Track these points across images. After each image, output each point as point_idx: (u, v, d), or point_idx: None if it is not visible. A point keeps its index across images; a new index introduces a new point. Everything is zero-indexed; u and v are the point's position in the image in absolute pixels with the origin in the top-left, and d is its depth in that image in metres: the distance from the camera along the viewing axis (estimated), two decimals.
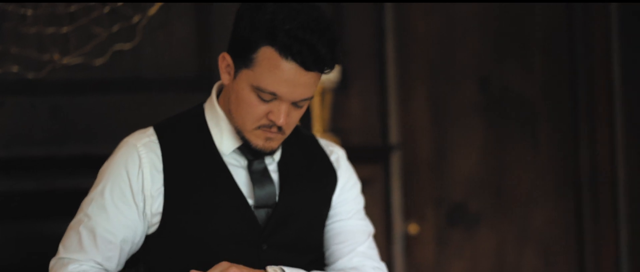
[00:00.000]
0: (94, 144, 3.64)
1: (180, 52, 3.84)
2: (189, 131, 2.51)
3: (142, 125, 2.69)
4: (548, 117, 4.67)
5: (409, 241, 4.46)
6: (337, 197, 2.60)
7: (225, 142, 2.49)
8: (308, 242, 2.47)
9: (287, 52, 2.31)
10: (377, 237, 4.28)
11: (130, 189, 2.45)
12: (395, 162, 4.41)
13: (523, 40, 4.64)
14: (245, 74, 2.37)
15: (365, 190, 4.24)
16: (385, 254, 4.36)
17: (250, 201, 2.48)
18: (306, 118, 4.10)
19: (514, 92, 4.62)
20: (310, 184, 2.55)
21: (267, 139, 2.42)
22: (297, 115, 2.43)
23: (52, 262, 2.52)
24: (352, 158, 4.12)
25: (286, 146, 2.56)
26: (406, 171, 4.46)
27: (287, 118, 2.39)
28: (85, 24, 3.72)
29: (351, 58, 4.28)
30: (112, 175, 2.48)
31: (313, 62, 2.33)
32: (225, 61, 2.42)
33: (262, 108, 2.38)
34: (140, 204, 2.45)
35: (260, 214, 2.48)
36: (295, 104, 2.39)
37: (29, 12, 3.66)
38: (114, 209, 2.45)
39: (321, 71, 2.37)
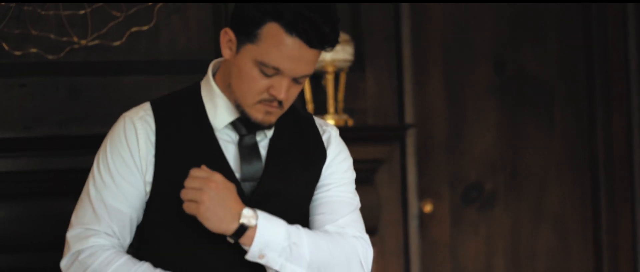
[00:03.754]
0: (110, 124, 3.63)
1: (196, 34, 3.89)
2: (184, 106, 2.59)
3: None
4: (564, 98, 4.69)
5: (424, 219, 4.49)
6: (325, 170, 2.65)
7: (219, 117, 2.56)
8: (293, 217, 2.51)
9: (292, 28, 2.39)
10: (392, 216, 4.36)
11: (131, 156, 2.55)
12: (411, 142, 4.45)
13: (538, 22, 4.65)
14: (249, 49, 2.44)
15: (381, 169, 4.30)
16: (401, 233, 4.39)
17: (238, 175, 2.54)
18: (320, 98, 4.14)
19: (530, 74, 4.64)
20: (298, 163, 2.60)
21: (267, 113, 2.49)
22: (296, 90, 2.50)
23: (70, 234, 2.59)
24: (368, 138, 4.20)
25: (280, 124, 2.62)
26: (422, 151, 4.49)
27: (287, 93, 2.46)
28: (102, 6, 3.78)
29: (367, 39, 4.31)
30: (112, 146, 2.58)
31: (317, 40, 2.41)
32: (227, 36, 2.50)
33: (264, 83, 2.45)
34: (142, 169, 2.54)
35: (246, 187, 2.54)
36: (295, 80, 2.47)
37: None
38: (119, 178, 2.55)
39: (323, 49, 2.45)
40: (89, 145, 3.70)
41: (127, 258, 2.54)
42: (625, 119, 4.72)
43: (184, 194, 2.42)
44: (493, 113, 4.58)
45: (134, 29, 3.83)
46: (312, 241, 2.50)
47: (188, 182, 2.42)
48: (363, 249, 2.61)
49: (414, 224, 4.44)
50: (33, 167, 3.71)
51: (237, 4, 2.49)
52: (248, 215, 2.43)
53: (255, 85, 2.46)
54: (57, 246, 3.69)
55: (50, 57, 3.76)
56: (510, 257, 4.61)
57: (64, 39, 3.75)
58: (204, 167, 2.44)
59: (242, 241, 2.44)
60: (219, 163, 2.55)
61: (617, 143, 4.72)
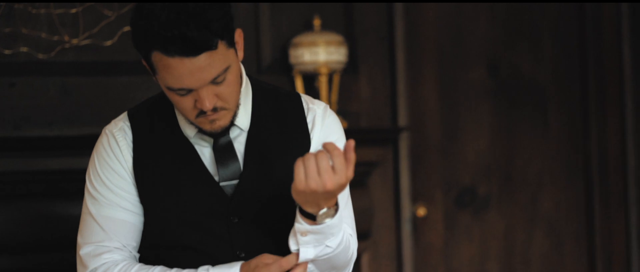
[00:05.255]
0: (102, 124, 3.58)
1: None
2: (159, 115, 2.57)
3: None
4: (558, 101, 4.67)
5: (418, 223, 4.47)
6: None
7: (187, 128, 2.53)
8: (281, 212, 2.45)
9: (168, 50, 2.30)
10: (385, 220, 4.33)
11: (121, 166, 2.53)
12: (404, 145, 4.42)
13: (533, 25, 4.63)
14: (158, 79, 2.41)
15: (374, 173, 4.28)
16: (394, 237, 4.37)
17: (217, 178, 2.51)
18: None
19: (524, 77, 4.62)
20: (280, 152, 2.53)
21: (211, 121, 2.43)
22: (226, 89, 2.40)
23: (81, 253, 2.55)
24: (361, 141, 4.15)
25: (258, 110, 2.56)
26: (415, 154, 4.46)
27: (213, 99, 2.38)
28: (94, 5, 3.75)
29: (360, 41, 4.29)
30: (100, 160, 2.56)
31: (194, 49, 2.31)
32: (148, 67, 2.45)
33: (188, 101, 2.39)
34: (132, 176, 2.52)
35: (228, 188, 2.50)
36: (214, 83, 2.38)
37: None
38: (117, 190, 2.53)
39: (209, 49, 2.33)
40: (79, 146, 3.68)
41: (139, 266, 2.51)
42: (619, 123, 4.71)
43: (307, 159, 2.25)
44: (487, 116, 4.56)
45: (125, 29, 3.80)
46: (341, 250, 2.45)
47: (321, 157, 2.24)
48: (355, 248, 2.56)
49: (407, 228, 4.41)
50: (22, 168, 3.68)
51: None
52: (328, 214, 2.35)
53: (183, 106, 2.41)
54: (45, 248, 3.68)
55: (40, 56, 3.73)
56: (503, 262, 4.59)
57: (55, 38, 3.72)
58: (351, 158, 2.27)
59: (304, 217, 2.37)
60: (196, 169, 2.51)
61: (611, 147, 4.71)
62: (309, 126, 2.56)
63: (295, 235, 2.38)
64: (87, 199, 2.56)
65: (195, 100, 2.37)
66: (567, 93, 4.67)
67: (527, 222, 4.63)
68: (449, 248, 4.53)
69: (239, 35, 2.41)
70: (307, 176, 2.26)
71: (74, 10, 3.73)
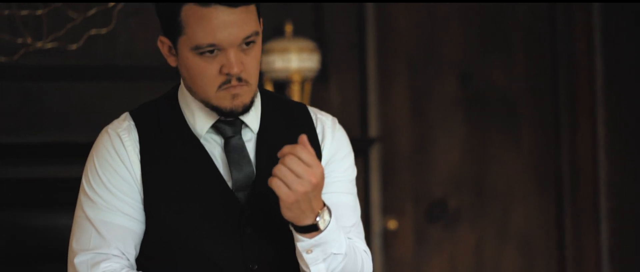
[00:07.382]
0: (66, 132, 3.61)
1: (155, 39, 3.78)
2: (164, 115, 2.47)
3: (116, 113, 2.64)
4: (530, 113, 4.66)
5: (388, 236, 4.42)
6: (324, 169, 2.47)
7: (198, 123, 2.44)
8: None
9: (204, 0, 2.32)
10: None
11: (125, 168, 2.42)
12: (375, 156, 4.38)
13: (505, 36, 4.62)
14: (182, 42, 2.33)
15: None
16: None
17: (230, 184, 2.42)
18: None
19: (496, 88, 4.60)
20: None
21: (234, 96, 2.35)
22: (251, 61, 2.34)
23: (76, 261, 2.43)
24: None
25: (267, 115, 2.48)
26: (385, 166, 4.42)
27: (240, 65, 2.32)
28: (59, 7, 3.69)
29: (331, 49, 4.24)
30: (101, 162, 2.44)
31: None
32: (165, 45, 2.40)
33: (213, 67, 2.33)
34: (137, 180, 2.42)
35: (241, 196, 2.41)
36: (241, 49, 2.32)
37: None
38: (119, 193, 2.42)
39: (247, 3, 2.31)
40: (42, 154, 3.63)
41: None
42: (591, 136, 4.72)
43: (279, 171, 2.24)
44: (458, 128, 4.55)
45: (92, 32, 3.74)
46: (350, 253, 2.39)
47: (289, 162, 2.25)
48: (369, 265, 2.49)
49: (377, 243, 4.37)
50: None
51: (156, 11, 2.41)
52: (323, 216, 2.30)
53: (206, 72, 2.34)
54: (6, 260, 3.58)
55: (2, 59, 3.67)
56: None
57: (19, 40, 3.67)
58: (312, 151, 2.26)
59: (303, 233, 2.31)
60: (209, 173, 2.41)
61: (582, 159, 4.71)
62: (319, 137, 2.49)
63: (302, 258, 2.31)
64: (84, 202, 2.43)
65: (221, 66, 2.31)
66: (539, 105, 4.67)
67: (498, 236, 4.61)
68: (419, 262, 4.49)
69: (261, 23, 2.38)
70: (289, 185, 2.22)
71: (39, 12, 3.65)
